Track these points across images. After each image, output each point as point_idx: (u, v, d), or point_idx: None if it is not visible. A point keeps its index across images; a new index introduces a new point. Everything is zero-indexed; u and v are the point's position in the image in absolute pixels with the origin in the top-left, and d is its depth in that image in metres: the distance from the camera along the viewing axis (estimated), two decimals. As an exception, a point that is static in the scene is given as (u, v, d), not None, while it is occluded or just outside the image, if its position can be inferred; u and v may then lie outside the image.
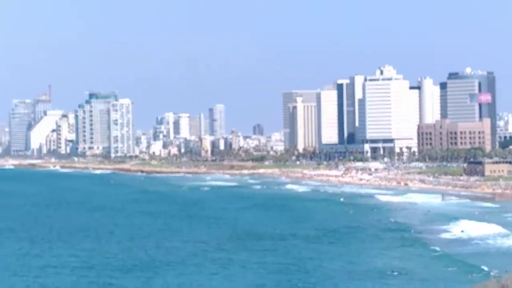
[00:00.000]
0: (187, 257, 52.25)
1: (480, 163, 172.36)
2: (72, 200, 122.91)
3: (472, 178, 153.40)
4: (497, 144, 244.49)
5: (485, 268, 43.30)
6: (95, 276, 42.39)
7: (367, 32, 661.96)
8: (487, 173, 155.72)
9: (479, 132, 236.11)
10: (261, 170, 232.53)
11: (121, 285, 40.25)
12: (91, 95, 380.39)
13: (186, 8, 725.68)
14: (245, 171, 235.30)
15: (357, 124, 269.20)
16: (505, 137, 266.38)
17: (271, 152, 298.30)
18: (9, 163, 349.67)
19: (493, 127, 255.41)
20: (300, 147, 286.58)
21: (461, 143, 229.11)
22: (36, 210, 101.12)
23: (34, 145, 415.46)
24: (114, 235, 68.00)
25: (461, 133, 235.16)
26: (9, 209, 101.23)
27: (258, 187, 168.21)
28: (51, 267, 46.59)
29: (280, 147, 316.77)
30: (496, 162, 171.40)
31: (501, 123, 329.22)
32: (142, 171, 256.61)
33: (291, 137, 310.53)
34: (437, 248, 58.82)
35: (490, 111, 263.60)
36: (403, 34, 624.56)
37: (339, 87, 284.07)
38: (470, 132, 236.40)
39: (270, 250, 57.79)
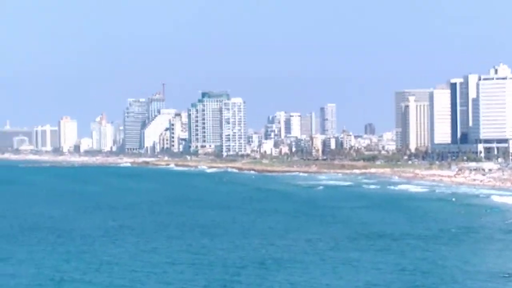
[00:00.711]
0: (299, 255, 51.92)
1: None
2: (188, 197, 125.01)
3: None
4: None
5: None
6: (210, 273, 42.87)
7: (482, 31, 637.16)
8: None
9: None
10: (372, 170, 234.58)
11: (235, 281, 40.35)
12: (203, 94, 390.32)
13: (300, 8, 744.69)
14: (356, 171, 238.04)
15: (470, 123, 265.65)
16: None
17: (383, 152, 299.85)
18: (124, 161, 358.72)
19: None
20: (412, 146, 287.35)
21: None
22: (154, 208, 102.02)
23: (148, 143, 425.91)
24: (228, 232, 68.45)
25: None
26: (127, 206, 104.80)
27: (372, 186, 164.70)
28: (167, 263, 47.21)
29: (391, 147, 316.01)
30: None
31: None
32: (253, 170, 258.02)
33: (403, 137, 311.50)
34: None
35: None
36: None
37: (453, 86, 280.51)
38: None
39: (385, 250, 56.57)
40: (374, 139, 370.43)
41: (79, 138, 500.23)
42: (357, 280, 41.17)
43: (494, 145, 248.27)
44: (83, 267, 45.07)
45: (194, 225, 75.45)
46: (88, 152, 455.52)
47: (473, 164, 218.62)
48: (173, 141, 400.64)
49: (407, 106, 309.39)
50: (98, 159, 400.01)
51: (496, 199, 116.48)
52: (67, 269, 44.39)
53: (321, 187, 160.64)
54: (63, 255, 51.14)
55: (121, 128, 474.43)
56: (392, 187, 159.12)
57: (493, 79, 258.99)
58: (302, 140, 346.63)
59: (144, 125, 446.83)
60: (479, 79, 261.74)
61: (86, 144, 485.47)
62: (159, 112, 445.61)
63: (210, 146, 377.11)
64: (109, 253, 52.40)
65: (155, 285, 39.82)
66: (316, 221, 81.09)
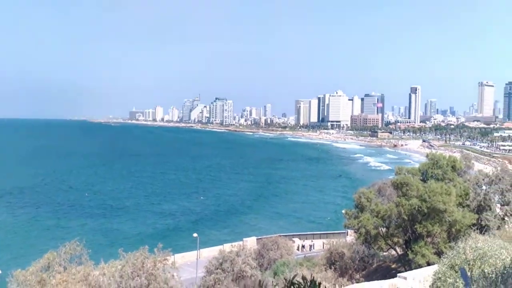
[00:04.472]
0: (281, 162, 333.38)
1: (376, 132, 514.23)
2: (226, 139, 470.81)
3: (372, 138, 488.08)
4: (384, 124, 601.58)
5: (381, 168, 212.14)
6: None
7: (331, 72, 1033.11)
8: (379, 136, 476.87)
9: (376, 119, 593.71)
10: (284, 132, 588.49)
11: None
12: (216, 98, 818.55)
13: None
14: (277, 132, 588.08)
15: (325, 114, 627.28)
16: (388, 121, 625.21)
17: (289, 124, 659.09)
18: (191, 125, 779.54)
19: (382, 117, 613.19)
20: (302, 122, 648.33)
21: (368, 123, 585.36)
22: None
23: (192, 118, 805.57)
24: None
25: (369, 119, 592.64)
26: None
27: (288, 138, 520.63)
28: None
29: (293, 122, 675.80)
30: (383, 132, 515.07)
31: (386, 115, 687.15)
32: (235, 131, 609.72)
33: (297, 118, 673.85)
34: (360, 164, 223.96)
35: (381, 110, 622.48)
36: None
37: (319, 99, 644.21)
38: (373, 119, 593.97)
39: (314, 163, 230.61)
40: (286, 119, 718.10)
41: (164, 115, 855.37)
42: (308, 170, 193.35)
43: (335, 123, 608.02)
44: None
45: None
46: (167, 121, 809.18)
47: (325, 131, 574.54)
48: (201, 118, 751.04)
49: (299, 106, 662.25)
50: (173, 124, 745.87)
51: (335, 144, 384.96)
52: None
53: (268, 138, 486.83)
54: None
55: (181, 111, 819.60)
56: (293, 139, 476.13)
57: (335, 96, 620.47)
58: (256, 119, 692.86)
59: (190, 110, 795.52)
60: (330, 95, 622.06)
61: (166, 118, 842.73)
62: (197, 105, 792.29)
63: (216, 120, 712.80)
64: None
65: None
66: (277, 150, 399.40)
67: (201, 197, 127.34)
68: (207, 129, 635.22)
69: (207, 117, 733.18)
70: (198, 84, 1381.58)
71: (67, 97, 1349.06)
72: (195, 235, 58.10)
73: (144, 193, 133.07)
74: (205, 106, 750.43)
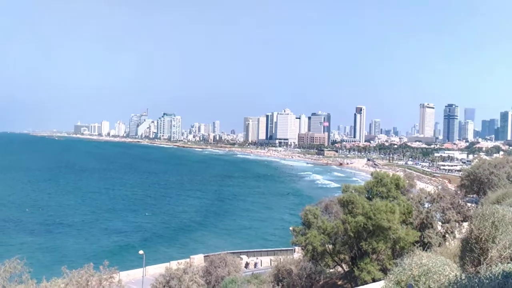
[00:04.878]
0: (236, 179, 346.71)
1: (323, 150, 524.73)
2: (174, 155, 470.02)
3: (319, 156, 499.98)
4: (330, 142, 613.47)
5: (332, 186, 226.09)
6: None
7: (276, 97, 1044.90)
8: (325, 154, 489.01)
9: (323, 138, 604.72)
10: (233, 148, 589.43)
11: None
12: (164, 114, 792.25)
13: None
14: (227, 148, 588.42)
15: (273, 131, 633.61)
16: (334, 140, 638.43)
17: (238, 141, 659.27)
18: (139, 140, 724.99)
19: (329, 135, 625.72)
20: (250, 139, 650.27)
21: (315, 141, 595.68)
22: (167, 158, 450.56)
23: (139, 133, 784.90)
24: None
25: (316, 137, 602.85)
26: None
27: (238, 155, 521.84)
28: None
29: (241, 139, 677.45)
30: (329, 150, 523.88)
31: (332, 134, 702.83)
32: (183, 146, 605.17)
33: (246, 135, 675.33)
34: (307, 181, 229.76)
35: (327, 129, 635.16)
36: None
37: (267, 116, 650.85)
38: (319, 138, 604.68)
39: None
40: (235, 136, 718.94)
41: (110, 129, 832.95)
42: (257, 187, 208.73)
43: (283, 141, 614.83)
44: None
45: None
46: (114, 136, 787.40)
47: (274, 148, 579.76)
48: (149, 133, 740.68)
49: (248, 123, 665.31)
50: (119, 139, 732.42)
51: (283, 162, 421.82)
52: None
53: (218, 155, 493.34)
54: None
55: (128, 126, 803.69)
56: (242, 156, 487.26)
57: (283, 114, 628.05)
58: (205, 135, 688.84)
59: (137, 125, 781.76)
60: (278, 113, 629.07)
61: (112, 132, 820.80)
62: (144, 120, 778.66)
63: (164, 136, 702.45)
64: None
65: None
66: (227, 166, 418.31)
67: (146, 213, 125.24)
68: (155, 144, 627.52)
69: (155, 132, 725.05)
70: (146, 98, 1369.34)
71: (7, 109, 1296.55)
72: (141, 252, 56.89)
73: (90, 209, 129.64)
74: (152, 121, 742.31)
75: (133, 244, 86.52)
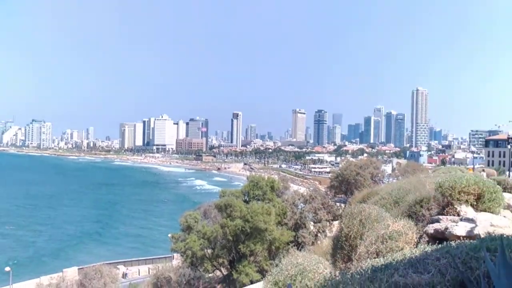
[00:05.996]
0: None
1: (201, 155, 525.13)
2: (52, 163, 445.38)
3: (197, 162, 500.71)
4: (208, 147, 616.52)
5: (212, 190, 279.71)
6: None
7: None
8: (204, 159, 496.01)
9: (201, 143, 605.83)
10: (108, 156, 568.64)
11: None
12: (33, 120, 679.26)
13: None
14: (102, 156, 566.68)
15: (150, 137, 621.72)
16: (212, 145, 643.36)
17: (113, 148, 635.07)
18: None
19: (207, 141, 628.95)
20: (127, 146, 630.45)
21: (193, 147, 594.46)
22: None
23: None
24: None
25: (194, 143, 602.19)
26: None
27: (116, 162, 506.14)
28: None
29: (117, 146, 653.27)
30: (207, 155, 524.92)
31: (210, 139, 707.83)
32: (55, 154, 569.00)
33: (122, 142, 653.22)
34: (186, 187, 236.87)
35: (205, 134, 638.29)
36: None
37: (144, 122, 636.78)
38: (198, 143, 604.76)
39: (140, 187, 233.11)
40: (111, 142, 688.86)
41: None
42: (136, 194, 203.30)
43: (160, 147, 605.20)
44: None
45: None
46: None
47: (151, 154, 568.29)
48: (15, 141, 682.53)
49: (124, 129, 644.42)
50: None
51: (161, 168, 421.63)
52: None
53: (95, 162, 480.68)
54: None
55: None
56: (120, 163, 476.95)
57: (160, 119, 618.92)
58: (78, 142, 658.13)
59: (2, 132, 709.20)
60: (155, 119, 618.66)
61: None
62: (10, 126, 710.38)
63: (33, 143, 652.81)
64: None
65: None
66: (106, 174, 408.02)
67: (7, 227, 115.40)
68: (23, 152, 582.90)
69: (22, 140, 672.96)
70: (12, 104, 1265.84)
71: None
72: (7, 269, 52.38)
73: None
74: (19, 128, 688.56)
75: (-3, 261, 79.34)
